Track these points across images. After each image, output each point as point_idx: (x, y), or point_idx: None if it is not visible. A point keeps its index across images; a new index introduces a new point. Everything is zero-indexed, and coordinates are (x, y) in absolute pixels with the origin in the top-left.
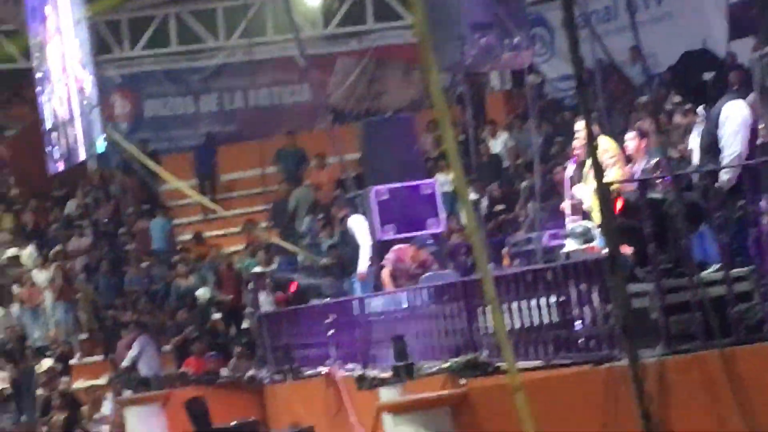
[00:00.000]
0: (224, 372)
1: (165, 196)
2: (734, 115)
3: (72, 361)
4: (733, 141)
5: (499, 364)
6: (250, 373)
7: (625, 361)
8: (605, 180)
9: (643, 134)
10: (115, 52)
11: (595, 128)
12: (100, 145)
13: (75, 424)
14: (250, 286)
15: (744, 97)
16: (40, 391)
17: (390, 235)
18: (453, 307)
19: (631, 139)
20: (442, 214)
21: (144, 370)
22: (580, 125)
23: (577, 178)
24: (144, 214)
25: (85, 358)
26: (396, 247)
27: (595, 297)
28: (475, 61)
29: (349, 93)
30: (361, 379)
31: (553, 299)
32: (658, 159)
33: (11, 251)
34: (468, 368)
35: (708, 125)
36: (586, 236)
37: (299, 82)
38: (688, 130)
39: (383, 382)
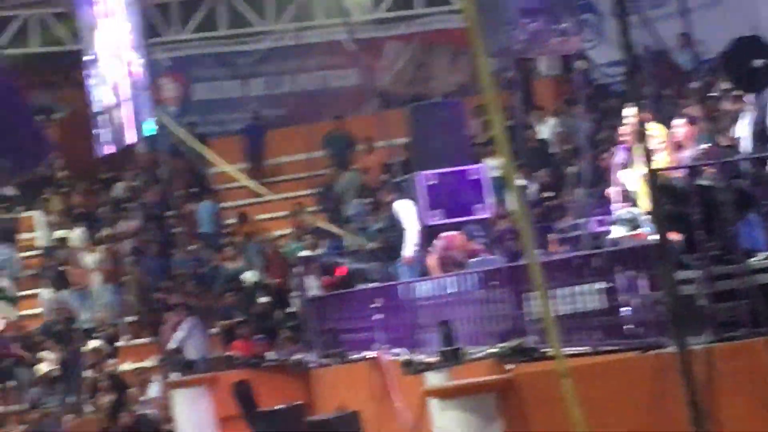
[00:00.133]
0: (270, 355)
1: (213, 179)
2: None
3: (119, 344)
4: None
5: (545, 350)
6: (297, 356)
7: (672, 348)
8: (653, 166)
9: (692, 121)
10: (164, 35)
11: (644, 115)
12: (149, 128)
13: (122, 406)
14: (297, 269)
15: None
16: (87, 373)
17: (437, 220)
18: (500, 292)
19: (679, 126)
20: (490, 200)
21: (191, 352)
22: (628, 111)
23: (625, 164)
24: (192, 197)
25: (132, 340)
26: (445, 234)
27: (643, 284)
28: (524, 47)
29: (397, 77)
30: (407, 364)
31: (600, 285)
32: (707, 146)
33: (60, 233)
34: (515, 354)
35: (758, 113)
36: (633, 222)
37: (347, 66)
38: (736, 117)
39: (429, 366)
